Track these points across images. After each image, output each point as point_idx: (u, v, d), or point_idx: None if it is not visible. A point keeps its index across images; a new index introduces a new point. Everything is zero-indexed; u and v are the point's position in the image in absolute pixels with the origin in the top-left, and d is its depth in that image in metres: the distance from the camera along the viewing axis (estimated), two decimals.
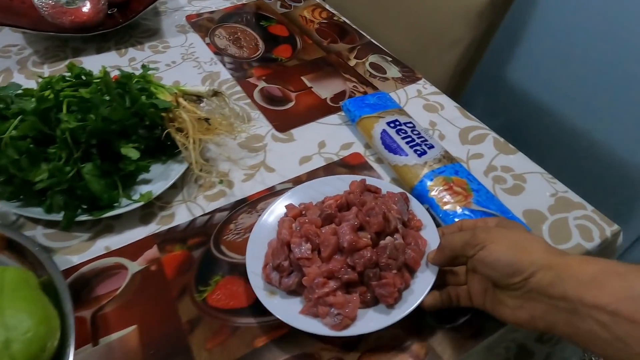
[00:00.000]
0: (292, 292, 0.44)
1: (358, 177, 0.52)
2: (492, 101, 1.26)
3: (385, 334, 0.43)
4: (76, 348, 0.41)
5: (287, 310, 0.42)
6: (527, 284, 0.33)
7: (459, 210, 0.52)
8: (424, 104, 0.72)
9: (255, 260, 0.46)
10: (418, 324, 0.44)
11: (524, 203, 0.56)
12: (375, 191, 0.50)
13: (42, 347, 0.36)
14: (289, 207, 0.49)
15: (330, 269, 0.41)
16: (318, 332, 0.40)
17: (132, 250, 0.50)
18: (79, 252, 0.50)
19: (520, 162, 0.62)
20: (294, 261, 0.43)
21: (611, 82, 0.99)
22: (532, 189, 0.58)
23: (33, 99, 0.50)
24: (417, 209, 0.49)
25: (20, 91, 0.55)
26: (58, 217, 0.50)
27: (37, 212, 0.51)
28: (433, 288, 0.42)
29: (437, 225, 0.48)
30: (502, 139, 0.65)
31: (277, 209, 0.50)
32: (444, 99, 0.73)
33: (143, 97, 0.57)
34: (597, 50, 0.98)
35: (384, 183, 0.54)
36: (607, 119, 1.03)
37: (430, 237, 0.46)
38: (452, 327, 0.44)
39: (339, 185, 0.52)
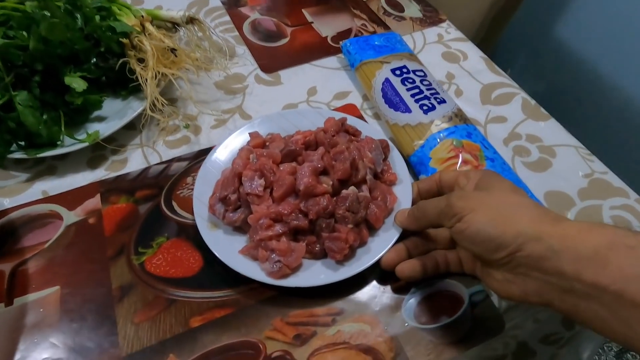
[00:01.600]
0: (238, 229, 0.40)
1: (339, 115, 0.45)
2: (529, 56, 1.08)
3: (344, 328, 0.35)
4: None
5: (226, 246, 0.38)
6: (514, 259, 0.28)
7: None
8: (443, 51, 0.59)
9: (205, 186, 0.41)
10: (389, 319, 0.36)
11: (548, 182, 0.45)
12: (353, 133, 0.44)
13: None
14: (253, 134, 0.44)
15: (279, 212, 0.37)
16: (252, 276, 0.36)
17: (72, 198, 0.43)
18: (13, 194, 0.44)
19: (551, 131, 0.50)
20: (242, 196, 0.38)
21: None
22: (561, 166, 0.47)
23: None
24: (397, 161, 0.43)
25: None
26: None
27: None
28: (391, 248, 0.37)
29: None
30: (533, 101, 0.53)
31: (246, 134, 0.45)
32: (469, 47, 0.60)
33: (98, 18, 0.48)
34: None
35: (367, 126, 0.46)
36: None
37: (403, 194, 0.41)
38: (430, 329, 0.35)
39: (316, 120, 0.46)
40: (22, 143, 0.45)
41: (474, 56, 0.59)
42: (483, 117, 0.51)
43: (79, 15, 0.47)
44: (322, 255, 0.37)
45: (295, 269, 0.36)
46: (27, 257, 0.39)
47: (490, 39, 0.76)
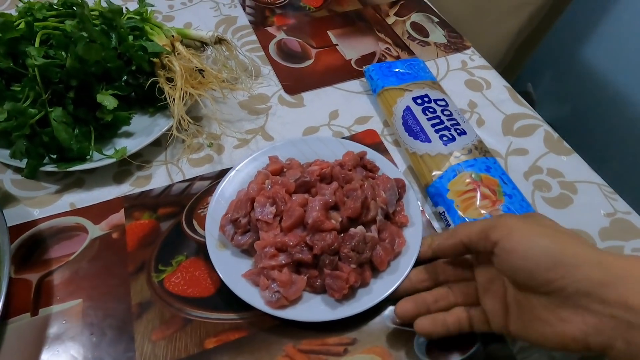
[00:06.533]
0: (245, 251, 0.40)
1: (360, 147, 0.46)
2: (555, 86, 1.07)
3: (355, 359, 0.36)
4: (14, 315, 0.38)
5: (230, 268, 0.39)
6: (570, 283, 0.25)
7: (481, 217, 0.42)
8: (466, 79, 0.60)
9: (220, 204, 0.42)
10: (400, 352, 0.36)
11: (568, 220, 0.45)
12: (371, 169, 0.44)
13: None
14: (272, 158, 0.45)
15: (285, 242, 0.37)
16: (250, 302, 0.36)
17: (97, 212, 0.45)
18: (42, 205, 0.45)
19: (574, 166, 0.49)
20: (253, 221, 0.39)
21: None
22: (583, 203, 0.46)
23: None
24: (411, 202, 0.43)
25: None
26: (24, 164, 0.45)
27: (3, 155, 0.46)
28: (393, 293, 0.37)
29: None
30: (555, 135, 0.52)
31: (266, 156, 0.46)
32: (493, 76, 0.60)
33: (131, 37, 0.50)
34: None
35: (385, 162, 0.46)
36: None
37: (413, 238, 0.40)
38: None
39: (337, 149, 0.47)
40: (54, 156, 0.47)
41: (498, 85, 0.59)
42: (504, 149, 0.51)
43: (113, 35, 0.49)
44: (322, 290, 0.37)
45: (294, 301, 0.36)
46: (54, 268, 0.41)
47: (514, 66, 0.76)
